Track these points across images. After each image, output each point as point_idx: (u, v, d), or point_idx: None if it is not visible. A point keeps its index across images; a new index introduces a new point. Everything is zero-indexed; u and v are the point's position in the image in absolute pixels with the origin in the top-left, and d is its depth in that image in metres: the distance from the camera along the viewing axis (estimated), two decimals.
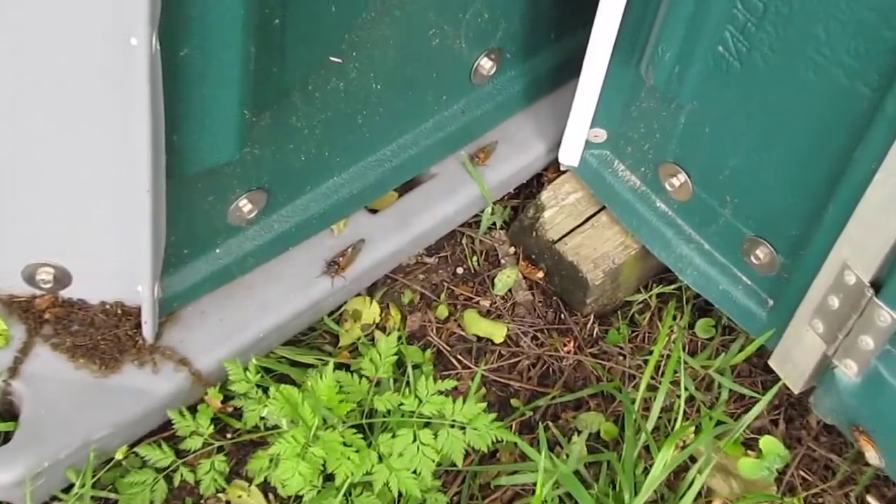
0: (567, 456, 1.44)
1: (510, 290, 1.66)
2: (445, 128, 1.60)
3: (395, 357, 1.40)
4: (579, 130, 1.56)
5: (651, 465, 1.39)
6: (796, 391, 1.43)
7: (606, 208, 1.63)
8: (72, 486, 1.31)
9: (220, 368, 1.40)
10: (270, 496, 1.39)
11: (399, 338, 1.42)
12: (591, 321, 1.63)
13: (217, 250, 1.41)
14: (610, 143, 1.56)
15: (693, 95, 1.38)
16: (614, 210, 1.60)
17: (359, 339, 1.55)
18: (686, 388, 1.51)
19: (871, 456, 1.34)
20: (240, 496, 1.38)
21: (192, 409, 1.39)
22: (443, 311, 1.62)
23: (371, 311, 1.59)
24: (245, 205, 1.38)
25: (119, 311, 1.37)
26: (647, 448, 1.45)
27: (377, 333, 1.57)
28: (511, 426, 1.51)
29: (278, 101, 1.28)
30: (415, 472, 1.30)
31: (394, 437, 1.32)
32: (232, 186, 1.34)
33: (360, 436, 1.32)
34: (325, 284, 1.50)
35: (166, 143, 1.13)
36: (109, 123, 1.13)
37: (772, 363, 1.46)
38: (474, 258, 1.69)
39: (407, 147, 1.56)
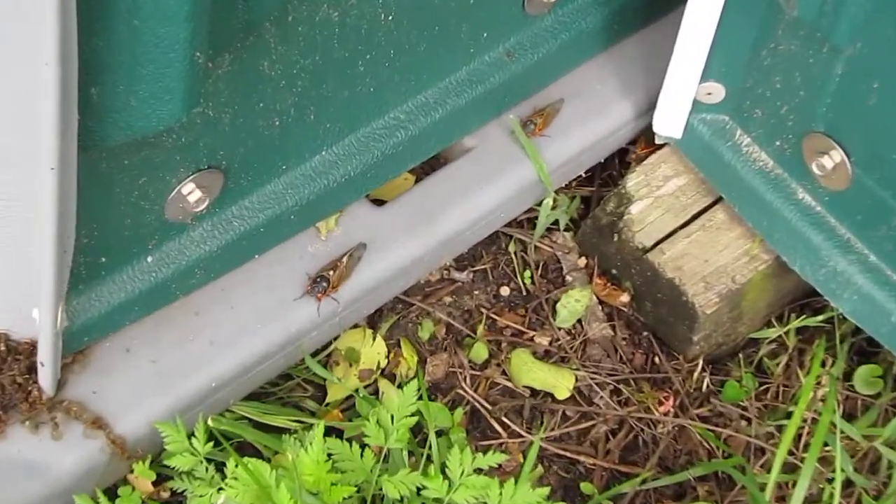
0: None
1: (580, 322, 1.66)
2: (486, 79, 1.60)
3: (413, 419, 1.39)
4: (684, 85, 1.56)
5: None
6: None
7: (723, 200, 1.63)
8: None
9: (153, 433, 1.40)
10: None
11: (417, 390, 1.41)
12: (700, 368, 1.64)
13: (149, 259, 1.41)
14: (730, 103, 1.56)
15: (855, 34, 1.37)
16: (735, 203, 1.60)
17: (356, 391, 1.55)
18: (842, 469, 1.50)
19: None
20: None
21: (112, 494, 1.39)
22: (480, 351, 1.62)
23: (374, 351, 1.59)
24: (191, 192, 1.38)
25: (3, 348, 1.37)
26: None
27: (383, 383, 1.57)
28: None
29: (244, 40, 1.28)
30: None
31: None
32: (173, 164, 1.34)
33: None
34: (309, 311, 1.50)
35: (81, 99, 1.13)
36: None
37: None
38: (527, 273, 1.69)
39: (429, 108, 1.56)
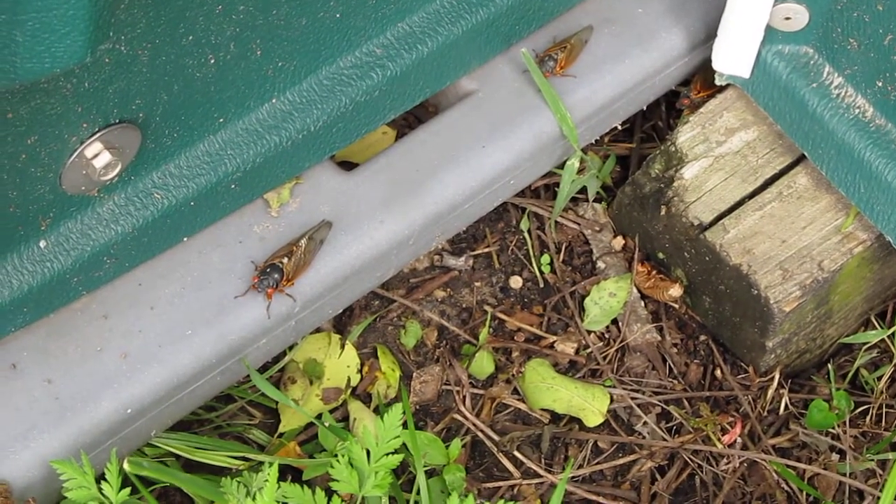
0: None
1: (616, 323, 1.68)
2: (488, 1, 1.60)
3: (397, 457, 1.39)
4: (753, 7, 1.56)
5: None
6: None
7: (806, 160, 1.64)
8: None
9: (49, 476, 1.40)
10: None
11: (401, 416, 1.41)
12: (776, 384, 1.65)
13: (42, 244, 1.41)
14: (815, 31, 1.56)
15: None
16: (822, 164, 1.60)
17: (319, 417, 1.56)
18: None
19: None
20: None
21: None
22: (484, 362, 1.64)
23: (342, 364, 1.61)
24: (98, 154, 1.38)
25: None
26: None
27: (355, 407, 1.59)
28: None
29: None
30: None
31: None
32: (73, 118, 1.34)
33: None
34: (255, 312, 1.51)
35: None
36: None
37: None
38: (545, 259, 1.71)
39: (415, 39, 1.57)
